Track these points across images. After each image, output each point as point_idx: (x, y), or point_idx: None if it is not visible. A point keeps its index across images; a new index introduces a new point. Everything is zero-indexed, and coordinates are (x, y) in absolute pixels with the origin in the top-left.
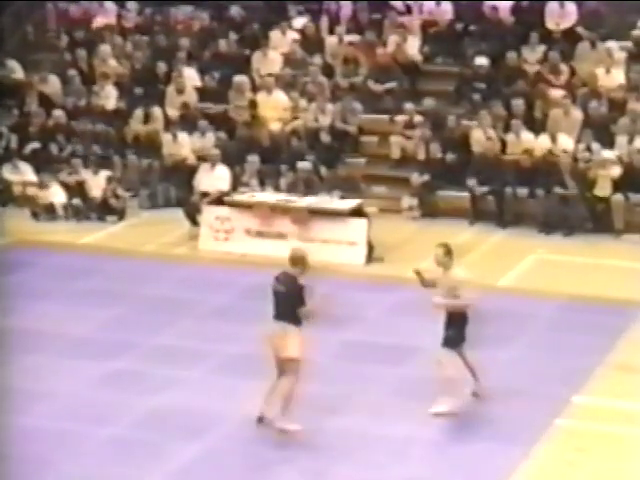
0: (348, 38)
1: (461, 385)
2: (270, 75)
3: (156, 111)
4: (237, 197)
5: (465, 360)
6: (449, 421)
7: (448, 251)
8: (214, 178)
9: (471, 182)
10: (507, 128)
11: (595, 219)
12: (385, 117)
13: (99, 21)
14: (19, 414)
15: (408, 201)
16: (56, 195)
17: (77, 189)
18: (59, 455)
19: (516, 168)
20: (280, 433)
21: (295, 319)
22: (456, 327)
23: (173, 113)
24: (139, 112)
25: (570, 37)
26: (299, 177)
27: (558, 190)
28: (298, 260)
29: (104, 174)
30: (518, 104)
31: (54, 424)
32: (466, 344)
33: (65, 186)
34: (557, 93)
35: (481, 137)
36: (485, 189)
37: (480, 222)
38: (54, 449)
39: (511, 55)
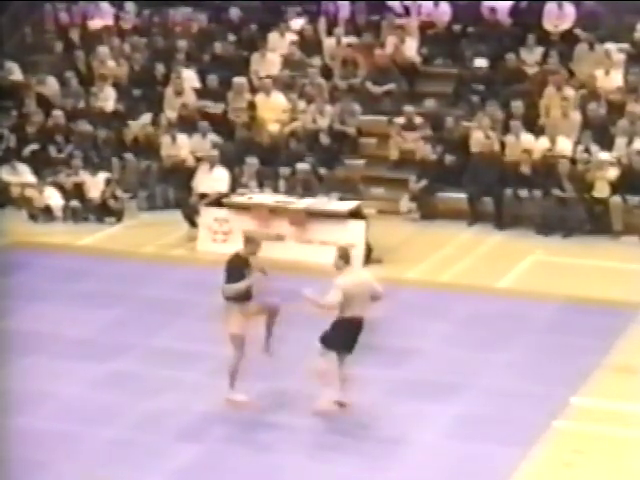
0: (346, 40)
1: (333, 381)
2: (268, 77)
3: (162, 116)
4: (235, 199)
5: (339, 369)
6: (447, 422)
7: (343, 254)
8: (213, 180)
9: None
10: (506, 129)
11: (593, 221)
12: (384, 118)
13: (97, 23)
14: (18, 415)
15: (406, 203)
16: (51, 198)
17: (75, 191)
18: (57, 456)
19: (515, 170)
20: (228, 403)
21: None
22: (341, 332)
23: (172, 115)
24: (147, 116)
25: (568, 39)
26: (298, 179)
27: (556, 192)
28: (248, 240)
29: (102, 176)
30: (517, 105)
31: (52, 425)
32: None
33: (63, 188)
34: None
35: (480, 138)
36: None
37: (478, 224)
38: (53, 450)
39: (509, 57)
